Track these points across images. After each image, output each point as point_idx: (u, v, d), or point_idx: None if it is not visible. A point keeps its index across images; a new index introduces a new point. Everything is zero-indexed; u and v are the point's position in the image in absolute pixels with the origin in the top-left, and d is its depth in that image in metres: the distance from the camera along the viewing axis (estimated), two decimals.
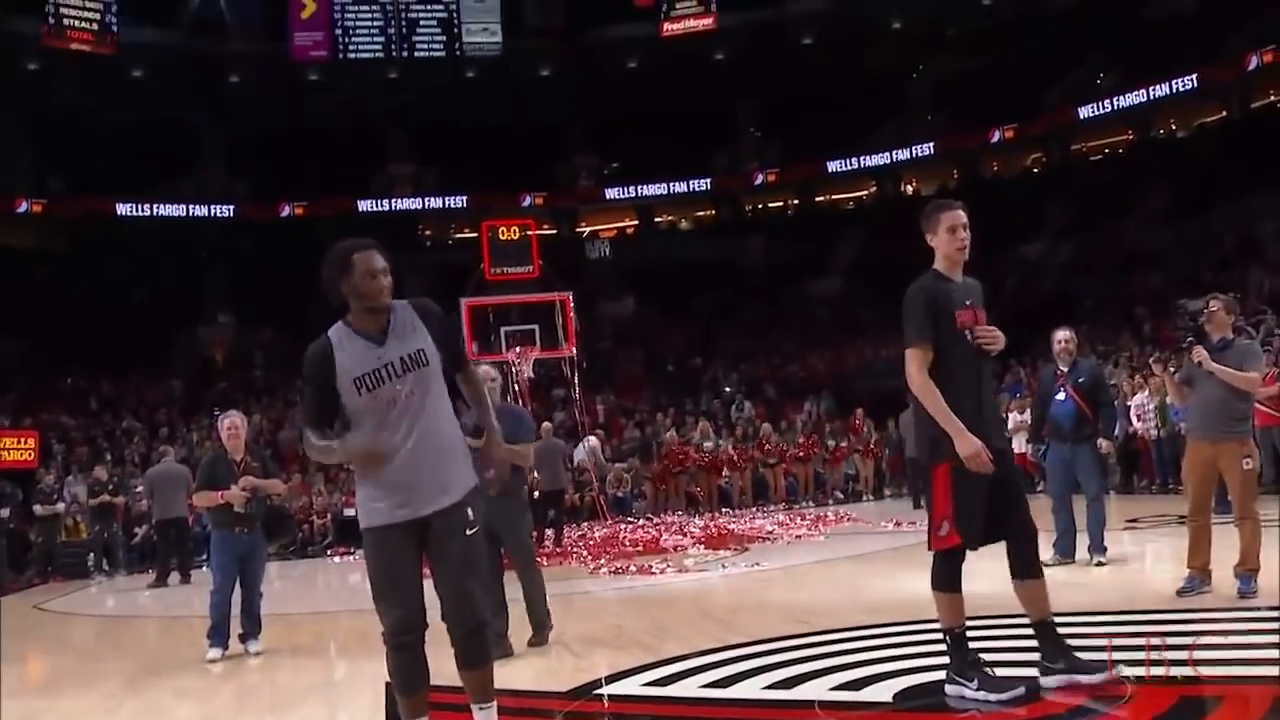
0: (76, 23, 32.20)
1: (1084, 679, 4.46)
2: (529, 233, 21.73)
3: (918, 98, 38.53)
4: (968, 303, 4.65)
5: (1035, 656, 4.66)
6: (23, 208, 33.89)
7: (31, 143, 34.38)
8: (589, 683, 5.62)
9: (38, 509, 18.52)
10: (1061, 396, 8.82)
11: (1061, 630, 4.66)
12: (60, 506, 18.91)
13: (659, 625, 7.53)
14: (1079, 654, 4.60)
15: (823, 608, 7.68)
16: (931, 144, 37.00)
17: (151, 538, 17.97)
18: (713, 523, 17.14)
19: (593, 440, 22.50)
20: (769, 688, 5.14)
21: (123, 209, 34.91)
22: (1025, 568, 4.63)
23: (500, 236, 21.35)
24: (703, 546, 13.51)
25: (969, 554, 4.67)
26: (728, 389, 28.91)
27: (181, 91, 33.26)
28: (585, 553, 13.95)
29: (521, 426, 7.32)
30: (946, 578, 4.66)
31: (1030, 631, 4.70)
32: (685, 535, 15.08)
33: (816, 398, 26.75)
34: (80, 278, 32.63)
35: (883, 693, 4.78)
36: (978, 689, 4.48)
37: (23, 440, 20.52)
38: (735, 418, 25.30)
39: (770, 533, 14.66)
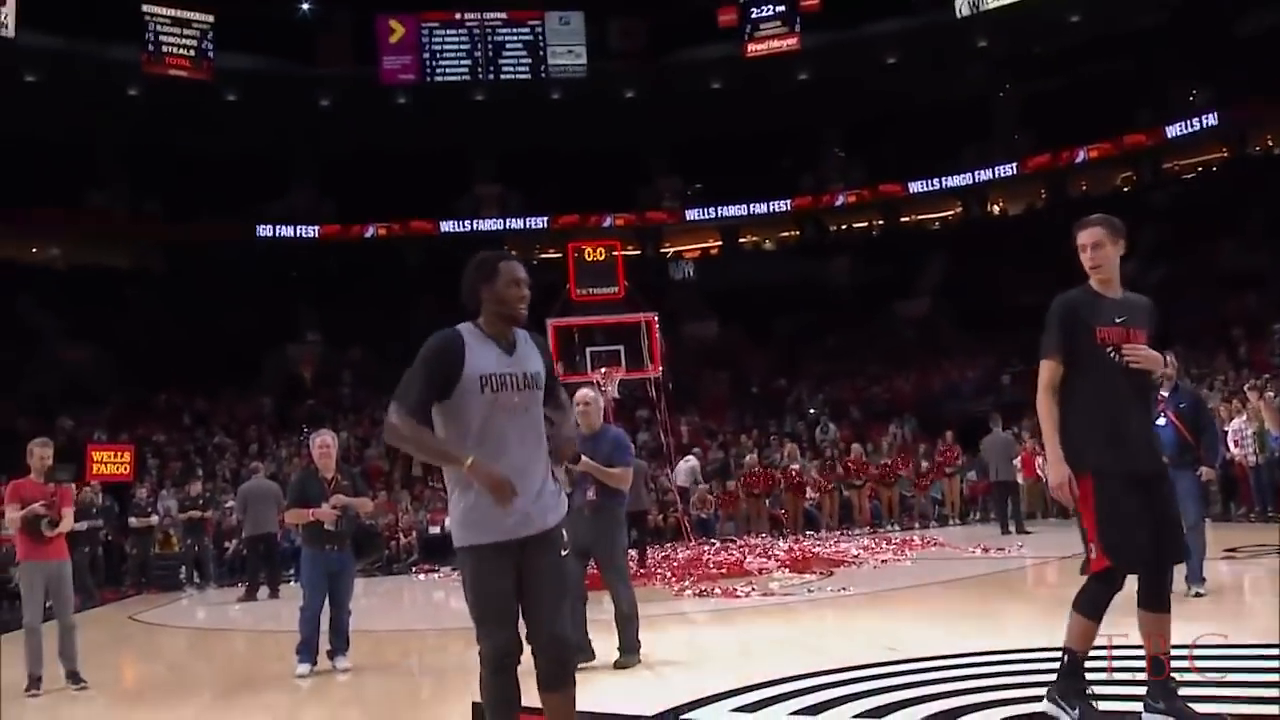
0: (175, 49, 33.10)
1: None
2: (615, 254, 21.70)
3: (1003, 117, 38.06)
4: (1118, 320, 4.50)
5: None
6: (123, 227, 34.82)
7: (130, 166, 35.42)
8: (674, 707, 5.54)
9: (133, 521, 19.01)
10: (1162, 422, 8.55)
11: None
12: (154, 519, 19.38)
13: (745, 649, 7.44)
14: (1185, 699, 4.41)
15: (912, 634, 7.51)
16: (1015, 164, 36.52)
17: (241, 552, 18.32)
18: (797, 546, 16.99)
19: (692, 460, 22.41)
20: (859, 716, 5.03)
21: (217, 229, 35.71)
22: (1155, 600, 4.46)
23: (586, 257, 21.34)
24: (788, 570, 13.35)
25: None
26: (812, 410, 28.70)
27: (274, 115, 34.04)
28: (669, 574, 13.84)
29: (619, 449, 7.39)
30: (1089, 602, 4.47)
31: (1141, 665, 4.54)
32: (770, 558, 14.91)
33: (901, 420, 26.47)
34: (175, 297, 33.45)
35: None
36: (1078, 718, 4.36)
37: (119, 454, 21.15)
38: (820, 440, 25.12)
39: (856, 556, 14.43)
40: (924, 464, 21.84)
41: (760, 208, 38.68)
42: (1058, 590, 9.33)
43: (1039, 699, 4.59)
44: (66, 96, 31.24)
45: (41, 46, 29.99)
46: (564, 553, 4.04)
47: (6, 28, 29.96)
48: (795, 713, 5.24)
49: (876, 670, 6.09)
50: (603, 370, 19.83)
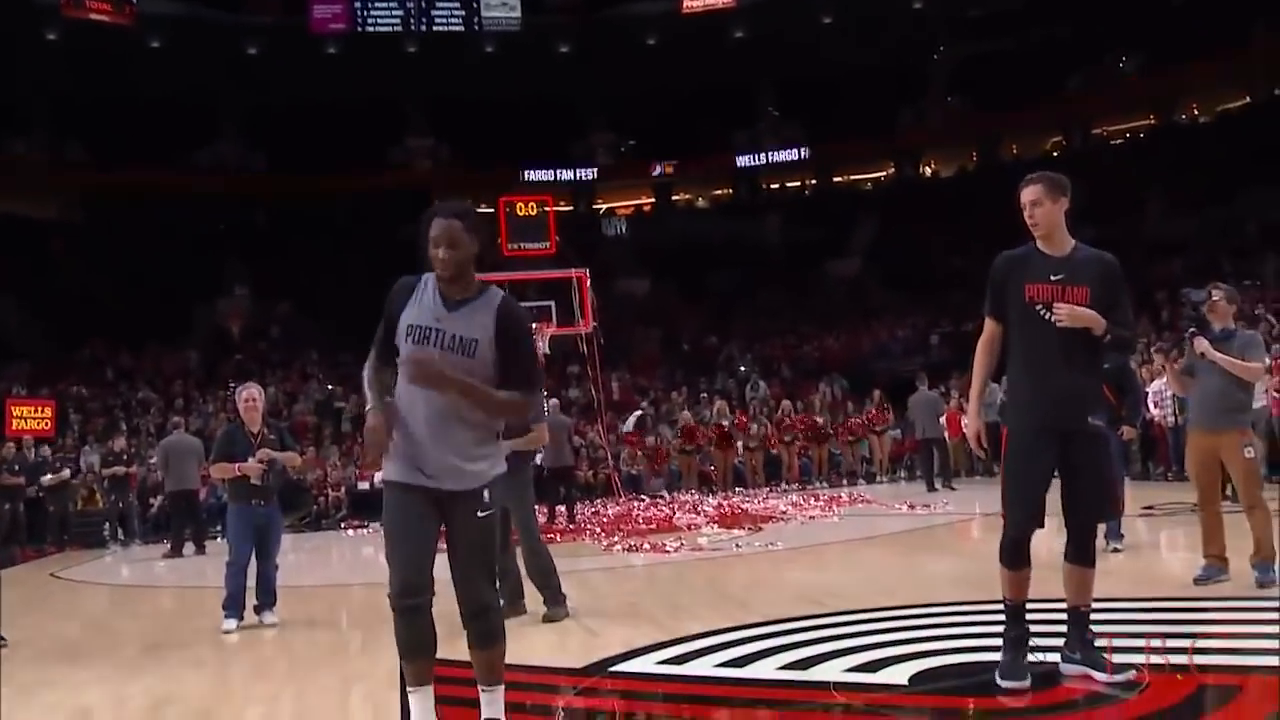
0: None
1: (1098, 675, 4.41)
2: (546, 209, 21.58)
3: (937, 79, 38.33)
4: (1054, 277, 4.53)
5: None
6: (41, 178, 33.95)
7: (50, 113, 34.51)
8: (603, 660, 5.60)
9: (46, 478, 18.57)
10: None
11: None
12: (66, 473, 18.95)
13: (673, 603, 7.50)
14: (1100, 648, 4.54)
15: (838, 588, 7.64)
16: (947, 125, 36.83)
17: (166, 508, 18.06)
18: (726, 502, 17.16)
19: (639, 413, 22.43)
20: (784, 668, 5.12)
21: (142, 180, 34.90)
22: (1078, 553, 4.59)
23: (518, 212, 21.24)
24: (717, 526, 13.50)
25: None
26: (743, 369, 28.90)
27: (200, 63, 33.29)
28: (598, 530, 13.95)
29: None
30: (1006, 554, 4.56)
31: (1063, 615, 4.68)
32: (699, 514, 15.08)
33: (831, 379, 26.73)
34: (98, 249, 32.76)
35: (898, 675, 4.76)
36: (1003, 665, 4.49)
37: (39, 409, 20.72)
38: (750, 397, 25.31)
39: (784, 513, 14.62)
40: (857, 420, 22.11)
41: (696, 165, 38.62)
42: (980, 545, 9.54)
43: (960, 651, 4.68)
44: None
45: None
46: (483, 514, 3.98)
47: None
48: (721, 664, 5.32)
49: (802, 624, 6.18)
50: (533, 325, 19.75)
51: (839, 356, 29.32)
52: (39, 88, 33.63)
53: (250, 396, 8.27)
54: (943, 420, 18.95)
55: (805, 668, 5.07)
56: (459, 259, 3.94)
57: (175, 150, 35.55)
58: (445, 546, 4.03)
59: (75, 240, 33.55)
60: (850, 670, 4.94)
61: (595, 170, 39.06)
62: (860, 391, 24.33)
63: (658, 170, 38.90)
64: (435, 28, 35.67)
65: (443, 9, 35.75)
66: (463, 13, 35.85)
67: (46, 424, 20.61)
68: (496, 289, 4.07)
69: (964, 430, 5.48)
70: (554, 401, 18.45)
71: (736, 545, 11.22)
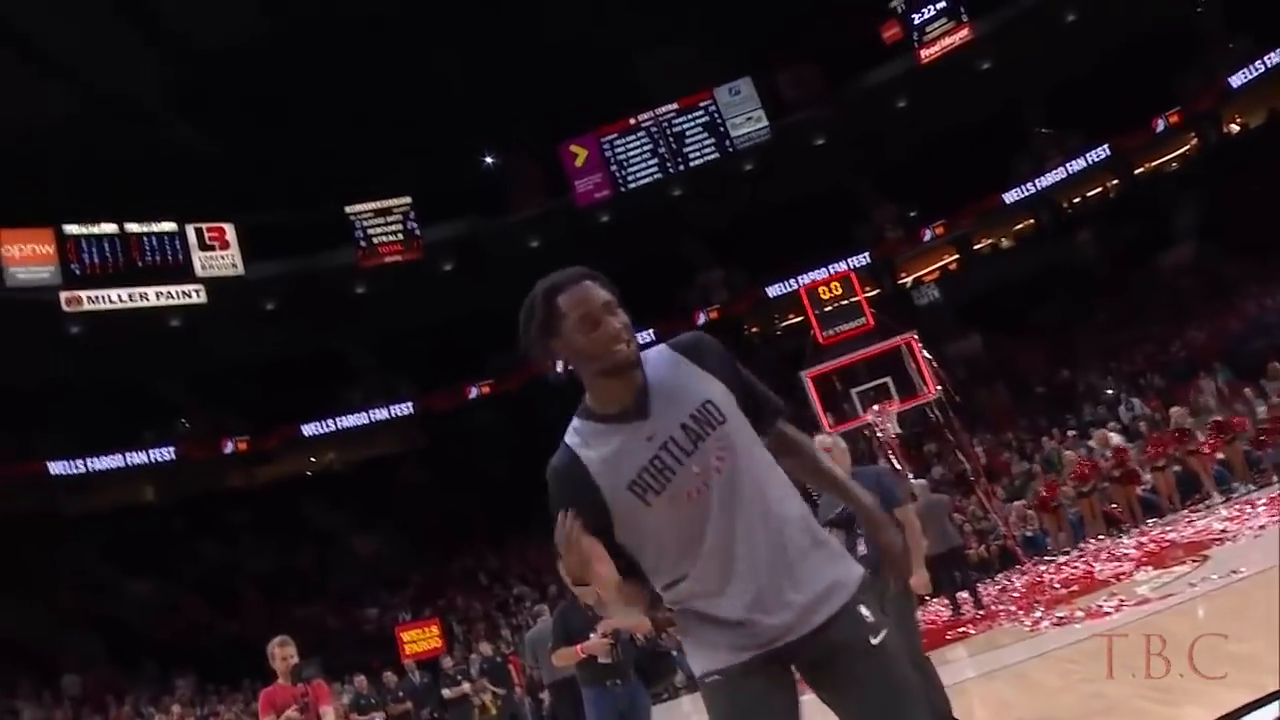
0: (384, 237, 34.63)
1: None
2: (851, 282, 20.76)
3: (1211, 28, 35.31)
4: None
5: None
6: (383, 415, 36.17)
7: (380, 359, 36.89)
8: None
9: (445, 693, 18.71)
10: None
11: None
12: (466, 687, 19.11)
13: (1159, 681, 6.11)
14: None
15: None
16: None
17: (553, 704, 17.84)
18: (1147, 537, 15.38)
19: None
20: None
21: (473, 393, 36.47)
22: None
23: (823, 296, 20.51)
24: (1150, 568, 11.95)
25: None
26: (1109, 391, 26.63)
27: (491, 273, 34.84)
28: (1014, 608, 12.64)
29: (884, 489, 6.22)
30: None
31: None
32: (1121, 560, 13.50)
33: (1212, 371, 24.12)
34: (439, 466, 34.37)
35: None
36: None
37: (426, 630, 21.51)
38: (1128, 419, 23.19)
39: (1223, 531, 12.69)
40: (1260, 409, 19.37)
41: (989, 206, 36.94)
42: None
43: None
44: (304, 312, 32.99)
45: (271, 275, 31.86)
46: (877, 639, 2.77)
47: (237, 267, 32.15)
48: None
49: None
50: (875, 408, 18.79)
51: (1210, 347, 26.54)
52: (359, 338, 36.04)
53: None
54: None
55: None
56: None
57: (490, 358, 37.07)
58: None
59: (423, 464, 35.42)
60: None
61: (887, 246, 37.90)
62: (1248, 376, 21.80)
63: (949, 225, 37.36)
64: (692, 163, 36.11)
65: (693, 144, 36.23)
66: (713, 141, 36.25)
67: (436, 642, 21.33)
68: (647, 351, 2.91)
69: None
70: (921, 482, 17.37)
71: (1191, 584, 9.62)
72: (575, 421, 2.88)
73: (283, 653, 7.72)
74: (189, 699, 21.43)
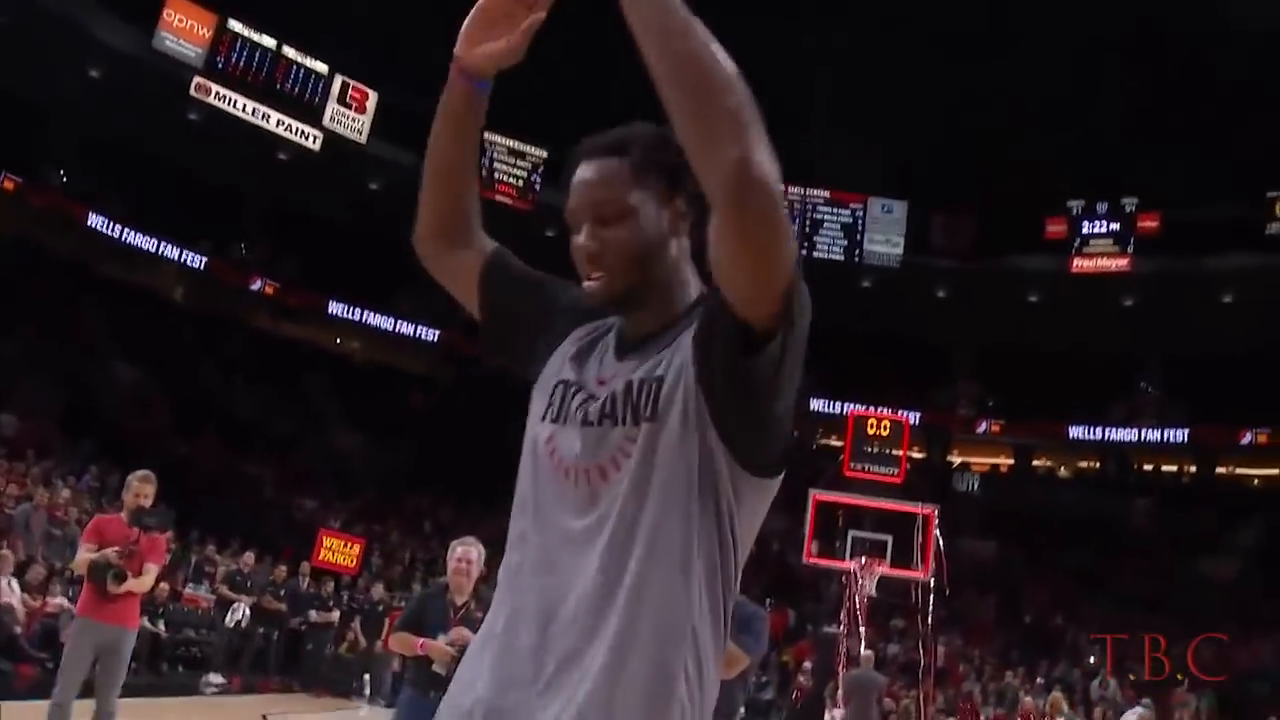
0: (505, 177, 34.25)
1: None
2: (902, 430, 20.07)
3: None
4: None
5: None
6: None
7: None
8: None
9: (312, 614, 18.31)
10: None
11: None
12: (335, 615, 18.72)
13: None
14: None
15: None
16: None
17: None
18: None
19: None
20: None
21: None
22: None
23: (868, 429, 19.78)
24: None
25: None
26: (1091, 659, 25.67)
27: None
28: None
29: (747, 629, 5.49)
30: None
31: None
32: None
33: (1198, 694, 23.12)
34: (456, 410, 33.93)
35: None
36: None
37: (348, 545, 21.20)
38: (1097, 696, 22.27)
39: None
40: None
41: (1072, 433, 36.15)
42: None
43: None
44: (404, 205, 32.72)
45: (386, 156, 31.63)
46: None
47: (361, 134, 32.11)
48: None
49: None
50: (863, 559, 18.12)
51: (1208, 668, 25.47)
52: None
53: (465, 556, 6.35)
54: None
55: None
56: (630, 246, 2.04)
57: None
58: None
59: (436, 396, 35.19)
60: None
61: (952, 418, 37.18)
62: (1230, 714, 20.83)
63: (1019, 432, 36.56)
64: (815, 254, 35.53)
65: (826, 236, 35.69)
66: (844, 244, 35.68)
67: (351, 561, 20.96)
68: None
69: None
70: (869, 654, 16.68)
71: None
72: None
73: (139, 488, 7.02)
74: (98, 490, 20.89)
